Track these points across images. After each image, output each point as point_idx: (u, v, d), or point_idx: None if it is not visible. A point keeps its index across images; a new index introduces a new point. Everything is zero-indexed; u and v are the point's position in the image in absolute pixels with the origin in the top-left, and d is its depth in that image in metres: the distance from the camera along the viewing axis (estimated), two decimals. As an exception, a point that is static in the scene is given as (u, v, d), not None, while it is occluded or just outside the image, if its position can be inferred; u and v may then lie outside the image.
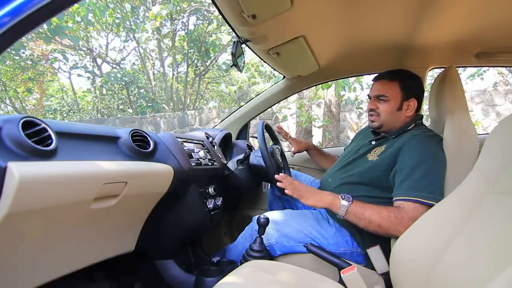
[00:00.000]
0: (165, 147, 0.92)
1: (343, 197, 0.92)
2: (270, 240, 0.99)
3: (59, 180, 0.58)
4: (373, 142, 1.10)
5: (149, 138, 0.88)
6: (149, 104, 7.39)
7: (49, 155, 0.59)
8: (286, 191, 0.98)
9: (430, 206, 0.82)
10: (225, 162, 1.26)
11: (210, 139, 1.27)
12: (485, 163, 0.71)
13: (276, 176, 1.02)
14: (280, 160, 1.31)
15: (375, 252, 0.89)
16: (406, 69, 1.10)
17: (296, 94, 3.50)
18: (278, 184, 1.01)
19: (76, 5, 4.79)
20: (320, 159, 1.49)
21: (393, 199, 0.90)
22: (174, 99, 7.66)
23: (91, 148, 0.72)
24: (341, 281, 0.82)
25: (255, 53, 1.20)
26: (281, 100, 1.72)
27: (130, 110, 7.85)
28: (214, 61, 7.34)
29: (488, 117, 4.64)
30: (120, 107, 8.12)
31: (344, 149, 1.37)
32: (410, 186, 0.88)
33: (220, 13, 0.89)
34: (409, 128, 1.03)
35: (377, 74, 1.11)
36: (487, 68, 4.53)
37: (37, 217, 0.59)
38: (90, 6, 5.38)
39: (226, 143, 1.49)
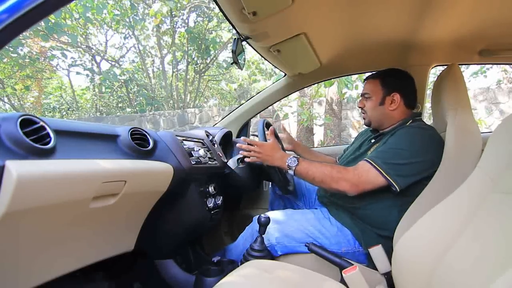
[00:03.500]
0: (165, 146, 0.91)
1: (290, 160, 1.00)
2: (271, 240, 0.98)
3: (57, 179, 0.58)
4: (373, 140, 1.12)
5: (148, 137, 0.87)
6: (148, 102, 7.37)
7: (47, 154, 0.58)
8: (247, 159, 1.10)
9: (383, 177, 0.90)
10: (226, 160, 1.25)
11: (210, 137, 1.26)
12: (489, 161, 0.70)
13: (238, 145, 1.11)
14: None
15: (377, 252, 0.88)
16: (393, 68, 1.14)
17: (297, 92, 3.48)
18: (242, 153, 1.11)
19: (74, 2, 4.77)
20: (309, 156, 1.48)
21: None
22: (174, 97, 7.65)
23: (90, 147, 0.71)
24: (342, 281, 0.81)
25: (256, 51, 1.19)
26: (282, 98, 1.71)
27: (129, 108, 7.84)
28: (214, 58, 7.32)
29: (492, 115, 4.62)
30: (119, 105, 8.10)
31: (344, 151, 1.37)
32: (374, 154, 0.96)
33: (221, 10, 0.88)
34: (407, 124, 1.05)
35: (366, 76, 1.18)
36: (490, 65, 4.51)
37: (35, 216, 0.58)
38: (88, 3, 5.34)
39: (227, 141, 1.48)
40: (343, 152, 1.38)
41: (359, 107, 1.17)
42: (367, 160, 0.94)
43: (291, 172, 1.00)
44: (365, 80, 1.17)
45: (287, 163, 1.00)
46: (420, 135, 0.96)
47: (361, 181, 0.92)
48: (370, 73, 1.20)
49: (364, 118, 1.16)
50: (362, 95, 1.15)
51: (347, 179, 0.93)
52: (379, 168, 0.90)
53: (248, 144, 1.08)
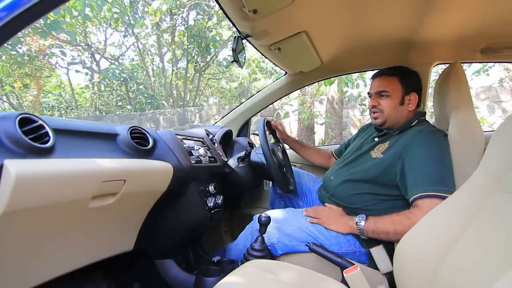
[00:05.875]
0: (165, 145, 0.91)
1: (358, 218, 0.93)
2: (271, 239, 0.98)
3: (56, 178, 0.57)
4: (376, 139, 1.10)
5: (148, 135, 0.87)
6: (148, 101, 7.36)
7: (46, 153, 0.58)
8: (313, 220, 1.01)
9: (443, 198, 0.82)
10: (226, 159, 1.25)
11: (211, 136, 1.26)
12: (491, 160, 0.70)
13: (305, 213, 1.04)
14: (282, 158, 1.29)
15: (378, 252, 0.88)
16: (404, 66, 1.12)
17: (298, 91, 3.48)
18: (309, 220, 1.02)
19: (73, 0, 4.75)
20: (301, 150, 1.48)
21: (410, 199, 0.88)
22: (174, 95, 7.63)
23: (89, 146, 0.71)
24: (343, 281, 0.81)
25: (256, 49, 1.19)
26: (283, 97, 1.70)
27: (129, 107, 7.83)
28: (214, 56, 7.30)
29: (494, 114, 4.61)
30: (119, 103, 8.09)
31: (345, 147, 1.36)
32: (425, 181, 0.87)
33: (221, 7, 0.87)
34: (412, 125, 1.03)
35: (376, 71, 1.13)
36: (492, 64, 4.49)
37: (34, 215, 0.58)
38: (87, 0, 5.31)
39: (227, 140, 1.47)
40: (343, 148, 1.37)
41: (373, 105, 1.08)
42: (429, 195, 0.85)
43: (361, 232, 0.91)
44: (376, 76, 1.11)
45: (355, 221, 0.93)
46: (441, 139, 0.93)
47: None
48: (372, 71, 1.18)
49: (376, 118, 1.08)
50: (377, 93, 1.07)
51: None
52: (442, 194, 0.83)
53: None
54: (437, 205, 0.80)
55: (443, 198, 0.82)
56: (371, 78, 1.14)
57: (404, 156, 0.93)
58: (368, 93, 1.13)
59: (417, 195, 0.86)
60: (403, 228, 0.84)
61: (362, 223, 0.91)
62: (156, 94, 7.65)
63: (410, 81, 1.07)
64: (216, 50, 7.00)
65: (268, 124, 1.31)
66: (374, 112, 1.08)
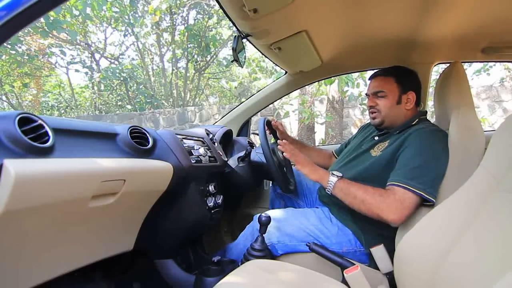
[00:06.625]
0: (164, 144, 0.91)
1: (333, 173, 0.96)
2: (271, 239, 0.98)
3: (56, 178, 0.57)
4: (376, 138, 1.10)
5: (148, 135, 0.87)
6: (148, 100, 7.36)
7: (46, 152, 0.58)
8: (284, 154, 1.04)
9: (419, 196, 0.85)
10: (226, 159, 1.25)
11: (211, 136, 1.26)
12: (492, 160, 0.70)
13: (279, 146, 1.07)
14: (282, 158, 1.29)
15: (379, 251, 0.88)
16: (401, 65, 1.12)
17: (298, 90, 3.47)
18: (279, 147, 1.06)
19: (73, -1, 4.74)
20: (301, 150, 1.44)
21: (387, 183, 0.91)
22: (174, 95, 7.63)
23: (89, 145, 0.71)
24: (344, 281, 0.81)
25: (257, 48, 1.18)
26: (283, 96, 1.70)
27: (129, 106, 7.83)
28: (214, 56, 7.30)
29: (495, 114, 4.59)
30: (119, 103, 8.10)
31: (346, 145, 1.36)
32: (403, 173, 0.89)
33: (221, 7, 0.87)
34: (413, 124, 1.03)
35: (372, 73, 1.13)
36: (493, 63, 4.49)
37: (33, 215, 0.58)
38: None
39: (227, 140, 1.47)
40: (343, 147, 1.36)
41: (370, 106, 1.09)
42: (401, 186, 0.86)
43: (329, 185, 0.94)
44: (372, 77, 1.12)
45: (330, 173, 0.95)
46: (438, 139, 0.94)
47: (404, 207, 0.85)
48: (372, 71, 1.18)
49: (374, 118, 1.09)
50: (374, 93, 1.08)
51: (388, 204, 0.85)
52: (414, 190, 0.85)
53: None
54: (410, 199, 0.85)
55: (416, 194, 0.85)
56: (368, 79, 1.15)
57: (399, 153, 0.95)
58: (366, 94, 1.14)
59: (391, 182, 0.90)
60: (372, 202, 0.88)
61: (335, 178, 0.94)
62: (156, 93, 7.65)
63: (407, 80, 1.07)
64: (216, 49, 7.00)
65: (268, 123, 1.31)
66: (372, 113, 1.10)
